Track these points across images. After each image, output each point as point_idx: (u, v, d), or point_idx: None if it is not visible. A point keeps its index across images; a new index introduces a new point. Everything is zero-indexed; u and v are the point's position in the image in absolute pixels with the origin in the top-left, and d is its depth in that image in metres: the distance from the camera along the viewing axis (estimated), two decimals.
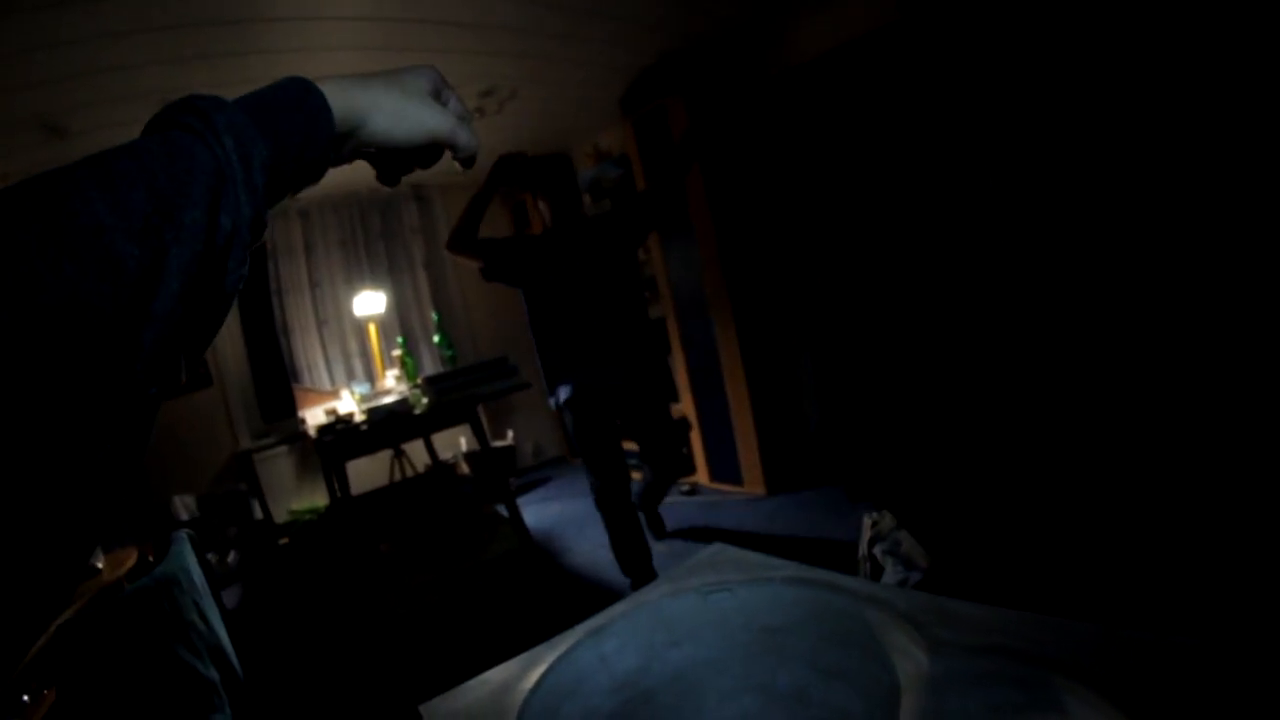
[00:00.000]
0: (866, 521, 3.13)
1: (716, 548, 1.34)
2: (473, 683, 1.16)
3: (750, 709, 1.17)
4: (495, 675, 1.17)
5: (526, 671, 1.14)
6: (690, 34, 4.58)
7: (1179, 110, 3.06)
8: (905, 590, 1.08)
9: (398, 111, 0.69)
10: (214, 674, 1.83)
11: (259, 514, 5.81)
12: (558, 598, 4.03)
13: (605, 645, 1.18)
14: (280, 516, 5.90)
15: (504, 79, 4.67)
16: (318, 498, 5.98)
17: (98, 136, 3.87)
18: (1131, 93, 3.19)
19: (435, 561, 4.60)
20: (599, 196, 6.07)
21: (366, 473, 5.69)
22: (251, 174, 0.53)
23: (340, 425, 4.17)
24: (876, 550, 3.03)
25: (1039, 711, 0.80)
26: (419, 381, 4.57)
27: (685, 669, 1.20)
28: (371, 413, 4.20)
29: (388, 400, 4.42)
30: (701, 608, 1.21)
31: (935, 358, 3.88)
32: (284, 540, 5.71)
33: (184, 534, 2.15)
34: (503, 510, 5.07)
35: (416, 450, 5.99)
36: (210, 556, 5.03)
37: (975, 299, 3.95)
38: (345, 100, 0.65)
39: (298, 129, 0.60)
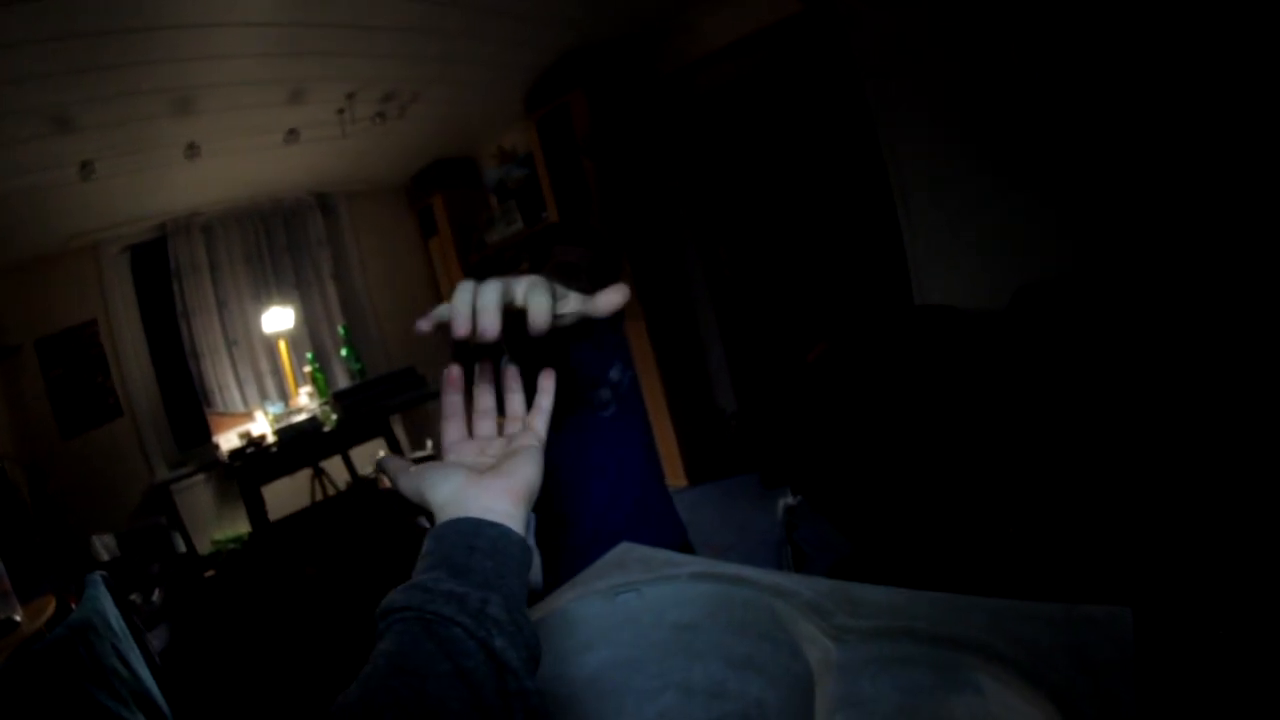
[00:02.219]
0: (782, 506, 3.16)
1: (623, 547, 1.33)
2: None
3: (671, 707, 1.16)
4: None
5: None
6: (592, 31, 4.58)
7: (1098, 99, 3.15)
8: (810, 578, 1.08)
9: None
10: (140, 718, 1.77)
11: (182, 547, 5.62)
12: None
13: None
14: (204, 548, 5.69)
15: (405, 82, 4.61)
16: (240, 525, 5.80)
17: None
18: (1047, 75, 3.28)
19: (359, 582, 4.51)
20: (504, 198, 6.03)
21: (288, 494, 5.56)
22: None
23: (250, 448, 4.07)
24: (796, 536, 3.05)
25: (954, 693, 0.79)
26: (329, 397, 4.49)
27: (601, 672, 1.18)
28: (281, 433, 4.11)
29: (300, 419, 4.33)
30: (610, 609, 1.19)
31: (841, 342, 3.93)
32: (209, 573, 5.55)
33: (98, 576, 2.08)
34: (425, 523, 4.97)
35: (338, 468, 5.86)
36: (134, 597, 4.84)
37: (880, 283, 4.02)
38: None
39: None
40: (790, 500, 3.13)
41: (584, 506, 1.98)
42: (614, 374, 1.97)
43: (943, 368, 3.38)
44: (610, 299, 0.83)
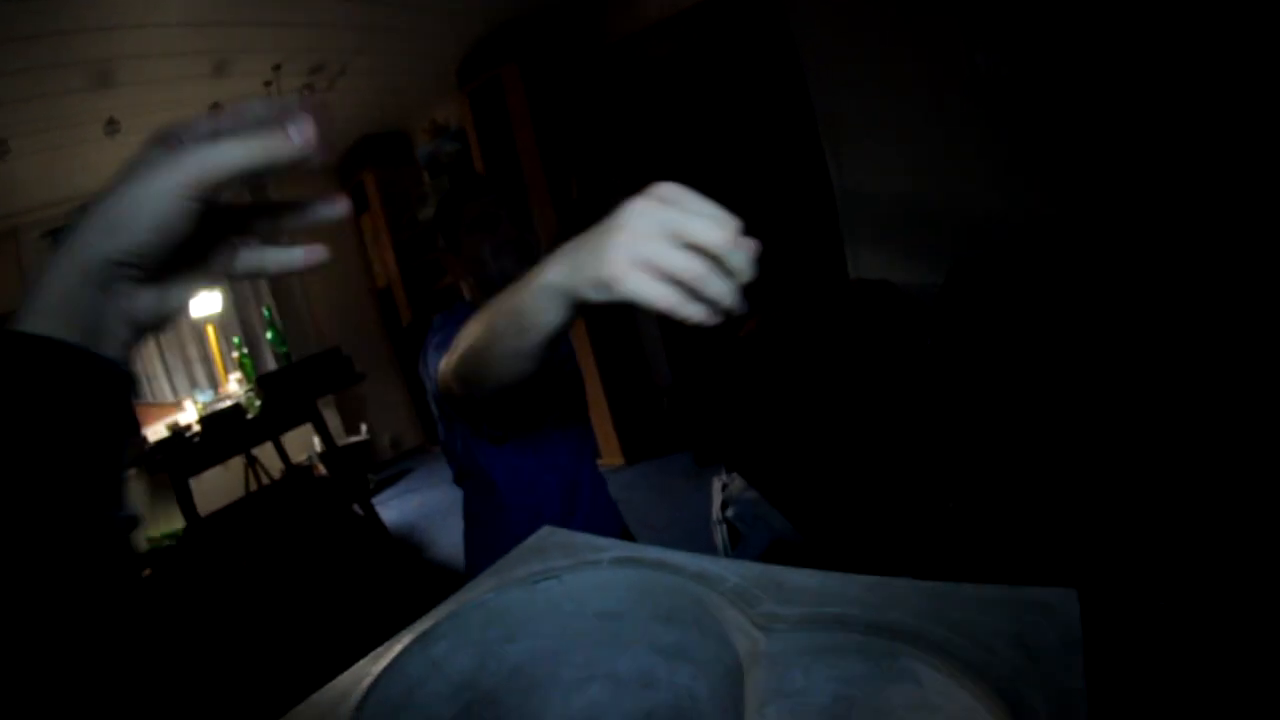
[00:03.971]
0: (716, 485, 3.11)
1: (544, 531, 1.27)
2: (297, 710, 1.05)
3: (599, 698, 1.10)
4: (320, 698, 1.06)
5: (351, 690, 1.04)
6: (526, 2, 4.48)
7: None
8: (738, 563, 1.02)
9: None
10: None
11: None
12: (421, 596, 3.89)
13: (435, 649, 1.09)
14: (139, 546, 5.54)
15: (333, 53, 4.47)
16: (175, 521, 5.63)
17: None
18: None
19: (293, 572, 4.40)
20: (437, 173, 5.91)
21: (222, 487, 5.41)
22: None
23: (175, 439, 3.93)
24: (729, 514, 3.01)
25: (891, 683, 0.75)
26: (254, 384, 4.36)
27: (524, 663, 1.12)
28: (204, 421, 3.97)
29: (225, 406, 4.20)
30: (531, 598, 1.13)
31: (773, 317, 3.90)
32: (147, 572, 5.38)
33: None
34: (359, 510, 4.90)
35: (272, 457, 5.71)
36: None
37: (815, 258, 4.00)
38: None
39: None
40: (725, 478, 3.09)
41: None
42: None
43: (877, 342, 3.36)
44: None
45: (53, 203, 5.31)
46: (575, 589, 1.11)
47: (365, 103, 5.54)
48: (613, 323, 5.01)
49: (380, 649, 1.10)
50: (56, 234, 5.35)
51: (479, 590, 1.14)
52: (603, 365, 4.86)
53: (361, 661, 1.08)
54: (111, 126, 4.25)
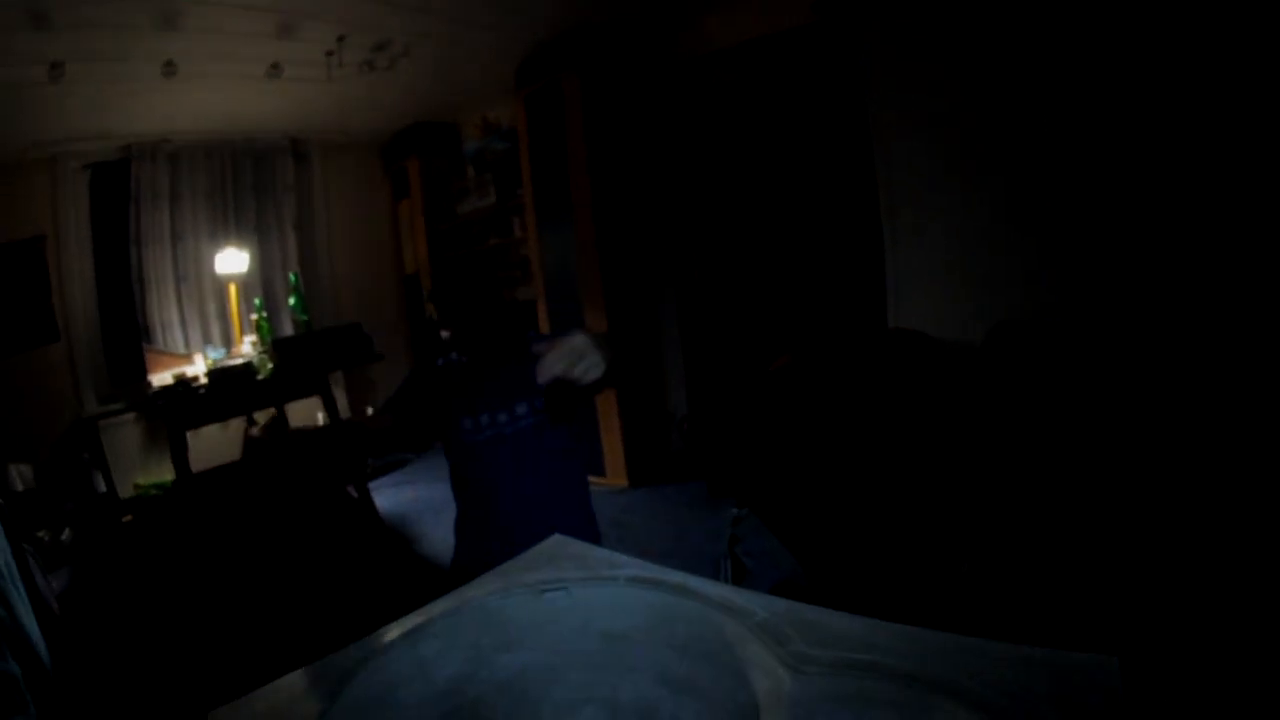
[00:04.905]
0: (729, 516, 3.03)
1: (555, 539, 1.19)
2: (264, 690, 0.98)
3: None
4: (291, 681, 0.99)
5: (328, 677, 0.97)
6: (593, 12, 4.46)
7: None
8: (766, 597, 0.95)
9: None
10: (14, 667, 1.59)
11: (102, 487, 5.36)
12: (405, 588, 3.82)
13: (423, 648, 1.02)
14: (125, 491, 5.45)
15: (399, 34, 4.44)
16: (166, 472, 5.55)
17: None
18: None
19: (277, 545, 4.32)
20: (482, 170, 5.90)
21: (220, 445, 5.34)
22: None
23: (179, 387, 3.87)
24: (739, 550, 2.93)
25: None
26: (268, 345, 4.31)
27: (516, 676, 1.04)
28: (211, 374, 3.92)
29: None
30: (535, 607, 1.05)
31: (807, 355, 3.83)
32: (127, 518, 5.31)
33: None
34: (353, 492, 4.83)
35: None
36: (41, 534, 4.61)
37: (856, 302, 3.94)
38: None
39: None
40: (737, 511, 3.01)
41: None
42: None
43: (910, 393, 3.28)
44: None
45: (96, 136, 5.29)
46: (584, 604, 1.04)
47: (420, 89, 5.53)
48: (635, 343, 4.94)
49: (368, 639, 1.03)
50: (95, 167, 5.38)
51: (481, 590, 1.07)
52: (620, 388, 4.77)
53: (346, 649, 1.02)
54: (169, 69, 4.24)
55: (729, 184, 4.64)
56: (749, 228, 4.53)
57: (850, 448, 3.11)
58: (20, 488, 4.76)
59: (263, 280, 6.21)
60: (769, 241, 4.44)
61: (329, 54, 4.50)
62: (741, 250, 4.63)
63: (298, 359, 3.97)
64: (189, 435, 4.20)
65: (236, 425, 5.33)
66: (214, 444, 5.14)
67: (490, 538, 2.20)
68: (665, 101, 4.88)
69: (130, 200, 5.62)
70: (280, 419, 5.27)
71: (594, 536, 2.28)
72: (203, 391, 3.83)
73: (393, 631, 1.03)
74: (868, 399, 3.24)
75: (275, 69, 4.59)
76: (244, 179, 6.23)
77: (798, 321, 4.26)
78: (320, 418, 6.03)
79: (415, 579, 3.90)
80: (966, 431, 3.11)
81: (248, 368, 4.00)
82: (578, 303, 4.93)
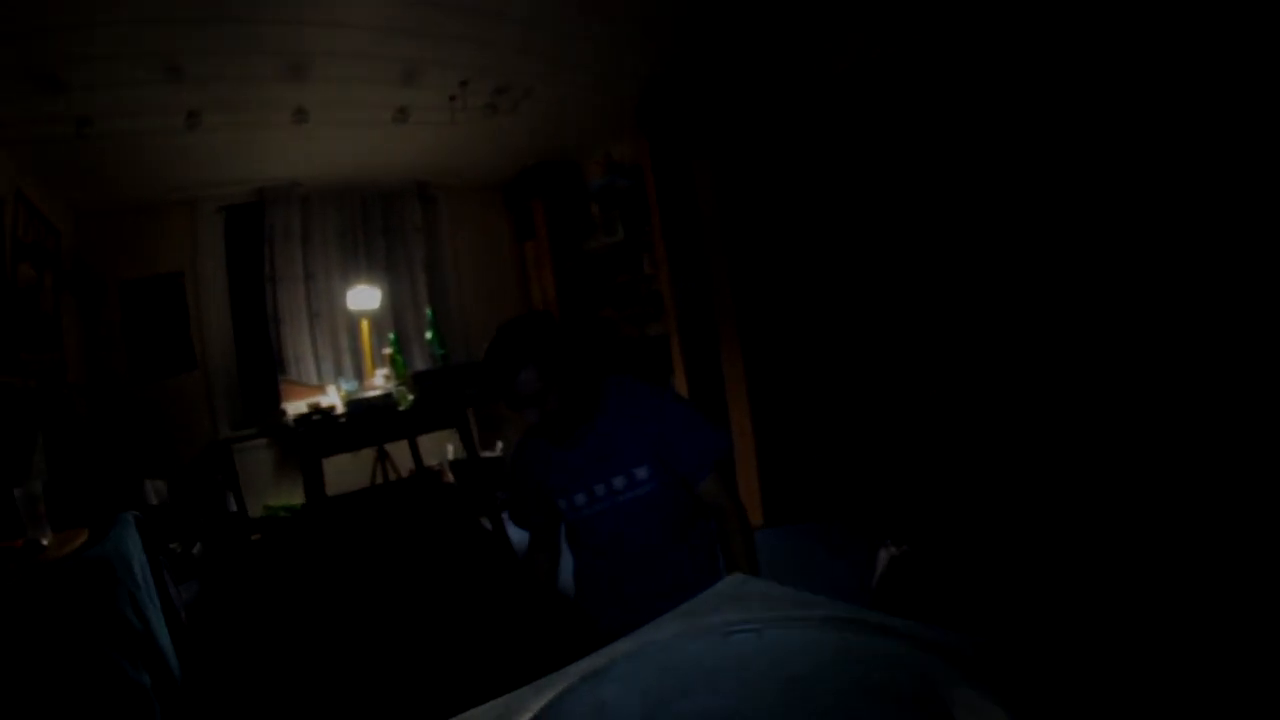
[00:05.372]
0: (884, 556, 2.87)
1: (738, 579, 1.15)
2: None
3: None
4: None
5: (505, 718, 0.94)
6: (713, 49, 4.47)
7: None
8: (977, 638, 0.88)
9: None
10: (145, 678, 1.61)
11: (233, 507, 5.57)
12: (542, 626, 3.77)
13: (604, 690, 0.98)
14: (255, 511, 5.67)
15: (520, 76, 4.55)
16: (295, 495, 5.75)
17: (98, 94, 3.76)
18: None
19: (411, 573, 4.36)
20: (608, 207, 5.92)
21: (348, 474, 5.51)
22: None
23: (317, 416, 3.97)
24: (892, 592, 2.79)
25: None
26: (406, 378, 4.39)
27: None
28: (351, 404, 4.01)
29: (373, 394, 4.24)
30: (720, 650, 1.01)
31: (952, 382, 3.69)
32: (255, 536, 5.48)
33: (130, 516, 1.95)
34: (488, 524, 4.85)
35: (402, 455, 5.79)
36: (174, 546, 4.78)
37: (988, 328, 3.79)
38: None
39: None
40: (893, 550, 2.86)
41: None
42: None
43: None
44: None
45: (231, 181, 5.62)
46: (773, 646, 0.99)
47: (542, 130, 5.62)
48: (775, 380, 4.83)
49: (543, 681, 0.99)
50: (229, 209, 5.65)
51: (663, 632, 1.03)
52: (758, 420, 4.70)
53: (521, 690, 0.99)
54: (299, 116, 4.44)
55: (852, 221, 4.47)
56: (896, 260, 4.34)
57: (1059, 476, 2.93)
58: (155, 501, 4.97)
59: (394, 316, 6.40)
60: (915, 272, 4.23)
61: (452, 99, 4.64)
62: (885, 282, 4.42)
63: (437, 392, 4.03)
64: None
65: (367, 454, 5.45)
66: (342, 470, 5.27)
67: (607, 595, 2.12)
68: (790, 136, 4.79)
69: (264, 241, 5.91)
70: (413, 450, 5.39)
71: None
72: (342, 420, 3.92)
73: (573, 674, 0.99)
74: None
75: (401, 114, 4.75)
76: (374, 221, 6.48)
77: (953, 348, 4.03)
78: (450, 450, 6.14)
79: (550, 614, 3.86)
80: None
81: (388, 399, 4.08)
82: (712, 339, 4.88)
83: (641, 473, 1.96)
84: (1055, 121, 3.25)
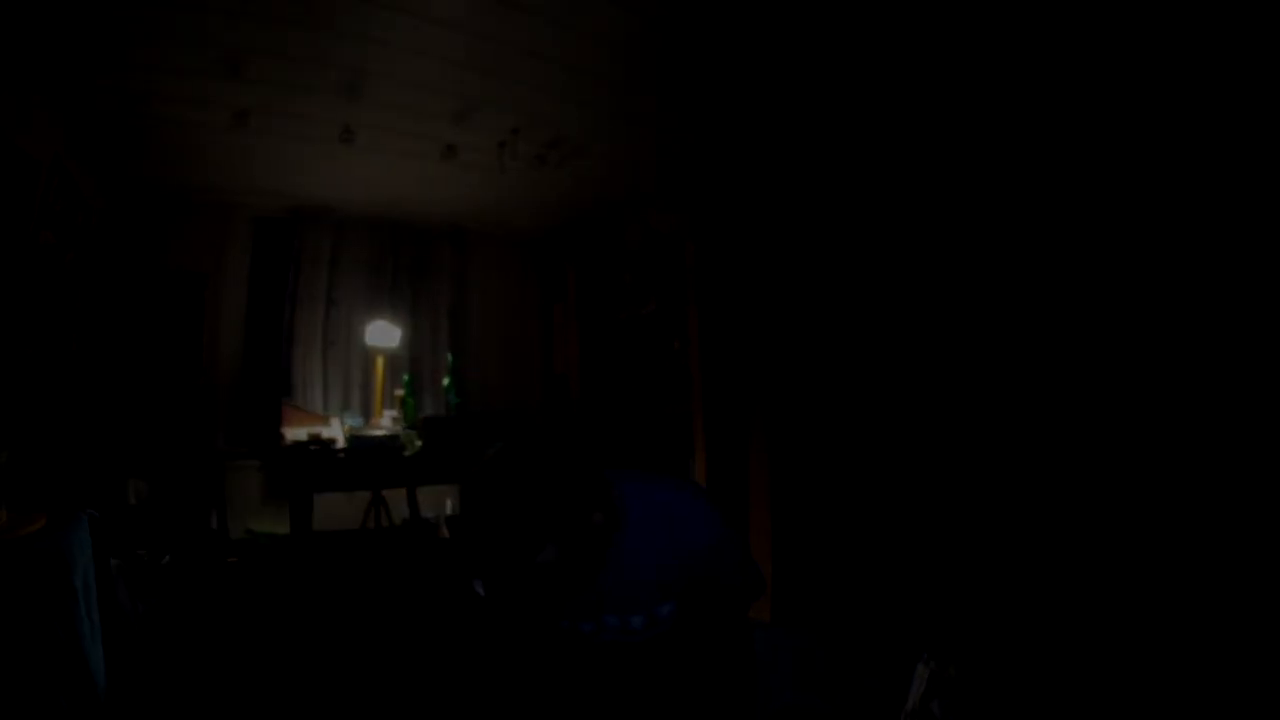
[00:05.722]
0: (922, 671, 2.60)
1: None
2: None
3: None
4: None
5: None
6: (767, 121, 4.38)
7: None
8: None
9: None
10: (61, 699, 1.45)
11: (214, 524, 5.34)
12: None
13: None
14: (236, 533, 5.42)
15: (575, 132, 4.49)
16: (281, 524, 5.50)
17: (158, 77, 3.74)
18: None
19: (388, 627, 4.11)
20: (642, 277, 5.83)
21: (339, 511, 5.27)
22: None
23: (316, 446, 3.77)
24: (935, 705, 2.53)
25: None
26: (416, 422, 4.22)
27: None
28: (355, 440, 3.83)
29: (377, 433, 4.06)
30: None
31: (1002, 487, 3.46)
32: (232, 559, 5.23)
33: (84, 516, 1.77)
34: (480, 589, 4.57)
35: (398, 501, 5.54)
36: (140, 552, 4.53)
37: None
38: None
39: None
40: (933, 665, 2.59)
41: None
42: None
43: None
44: None
45: (266, 191, 5.53)
46: None
47: (585, 190, 5.56)
48: (800, 482, 4.61)
49: None
50: (259, 221, 5.56)
51: None
52: (776, 516, 4.48)
53: None
54: (347, 135, 4.35)
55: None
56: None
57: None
58: (133, 501, 4.80)
59: (410, 358, 6.27)
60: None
61: (502, 144, 4.57)
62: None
63: (446, 442, 3.83)
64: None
65: (360, 497, 5.25)
66: (333, 506, 5.08)
67: None
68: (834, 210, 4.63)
69: (291, 259, 5.84)
70: (411, 499, 5.15)
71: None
72: (341, 455, 3.73)
73: None
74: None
75: (450, 151, 4.68)
76: (404, 258, 6.42)
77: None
78: (449, 505, 5.89)
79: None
80: None
81: (393, 441, 3.89)
82: (738, 426, 4.67)
83: (665, 610, 1.72)
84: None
